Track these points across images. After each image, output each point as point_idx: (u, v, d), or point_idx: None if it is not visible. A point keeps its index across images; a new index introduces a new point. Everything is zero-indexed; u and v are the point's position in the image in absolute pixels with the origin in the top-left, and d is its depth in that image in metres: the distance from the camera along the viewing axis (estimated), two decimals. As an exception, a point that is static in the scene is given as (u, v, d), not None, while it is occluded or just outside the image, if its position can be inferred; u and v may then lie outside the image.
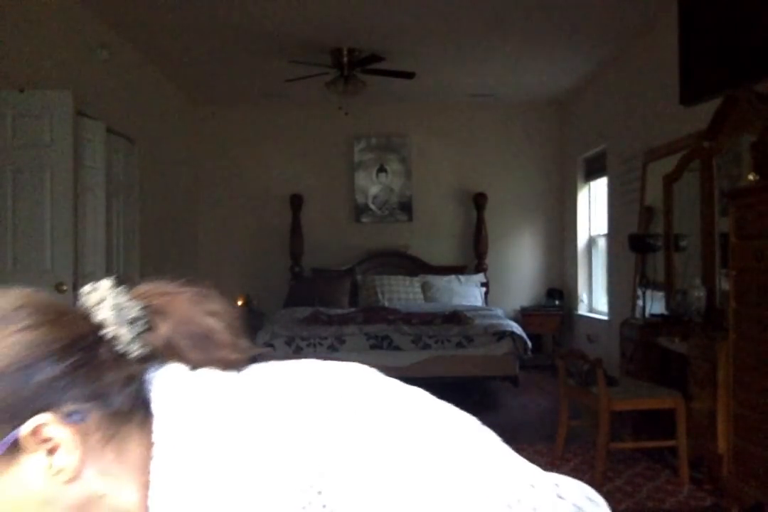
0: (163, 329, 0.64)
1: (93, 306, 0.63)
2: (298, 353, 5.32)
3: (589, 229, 7.17)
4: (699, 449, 3.53)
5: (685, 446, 3.53)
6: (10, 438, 0.56)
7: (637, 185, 5.32)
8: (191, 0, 4.71)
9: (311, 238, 7.45)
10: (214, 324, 0.65)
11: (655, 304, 4.76)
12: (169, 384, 0.63)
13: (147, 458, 0.61)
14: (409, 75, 5.92)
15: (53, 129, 4.14)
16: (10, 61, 4.03)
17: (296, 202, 7.42)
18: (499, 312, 6.69)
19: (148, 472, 0.60)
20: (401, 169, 7.74)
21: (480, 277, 7.36)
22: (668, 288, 4.68)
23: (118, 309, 0.62)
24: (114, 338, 0.62)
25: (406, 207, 7.73)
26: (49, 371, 0.57)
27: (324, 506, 0.56)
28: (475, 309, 6.52)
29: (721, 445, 3.23)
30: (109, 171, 4.88)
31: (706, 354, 3.44)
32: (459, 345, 5.44)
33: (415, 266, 7.45)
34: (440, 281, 7.22)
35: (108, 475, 0.60)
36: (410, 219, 7.72)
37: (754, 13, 3.35)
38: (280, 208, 7.49)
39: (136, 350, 0.62)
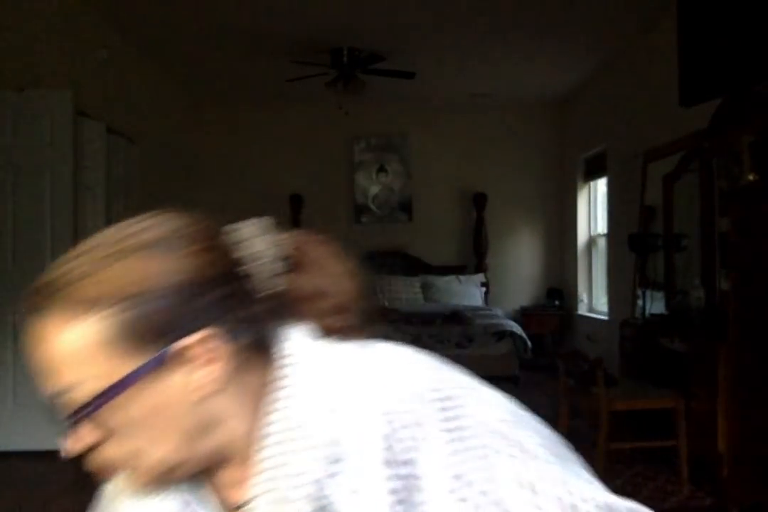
0: (298, 276, 0.68)
1: (237, 244, 0.66)
2: (298, 353, 5.32)
3: (589, 229, 7.17)
4: (699, 449, 3.53)
5: (685, 446, 3.53)
6: (164, 352, 0.59)
7: (637, 185, 5.32)
8: (192, 0, 4.72)
9: (311, 238, 7.44)
10: (344, 281, 0.71)
11: (655, 304, 4.76)
12: (290, 339, 0.66)
13: (261, 394, 0.64)
14: (409, 75, 5.92)
15: (53, 129, 4.14)
16: (10, 61, 4.03)
17: (296, 202, 7.42)
18: (499, 312, 6.70)
19: (260, 407, 0.64)
20: (401, 169, 7.74)
21: (480, 277, 7.36)
22: (668, 288, 4.68)
23: (260, 249, 0.67)
24: (251, 275, 0.65)
25: (406, 207, 7.73)
26: (207, 295, 0.61)
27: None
28: (475, 309, 6.52)
29: (721, 445, 3.23)
30: (109, 171, 4.88)
31: (706, 354, 3.44)
32: (459, 345, 5.44)
33: (415, 266, 7.45)
34: (440, 281, 7.22)
35: (232, 403, 0.63)
36: (410, 219, 7.72)
37: (754, 14, 3.35)
38: (280, 208, 7.49)
39: (268, 290, 0.66)
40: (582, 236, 7.20)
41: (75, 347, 0.59)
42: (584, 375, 3.69)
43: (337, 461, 0.59)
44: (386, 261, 7.47)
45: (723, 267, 3.79)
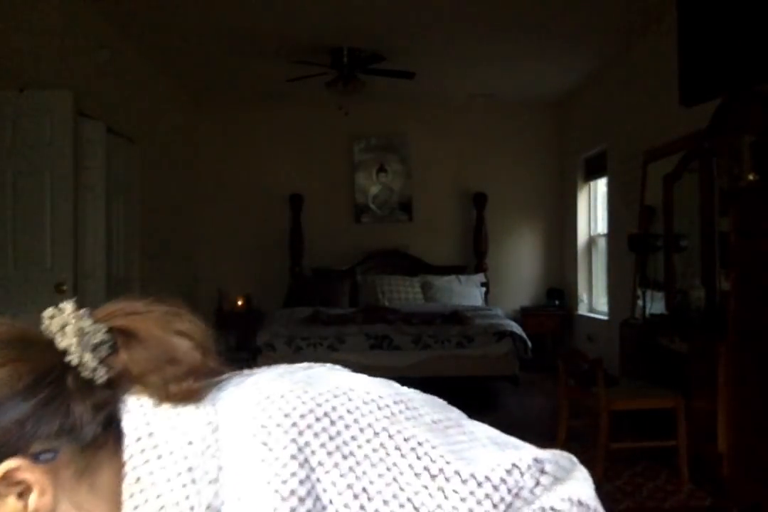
0: (129, 352, 0.62)
1: (56, 333, 0.60)
2: (297, 353, 5.32)
3: (589, 229, 7.17)
4: (699, 449, 3.53)
5: (685, 446, 3.53)
6: None
7: (637, 185, 5.32)
8: (192, 0, 4.72)
9: (311, 238, 7.45)
10: (181, 345, 0.63)
11: (655, 304, 4.76)
12: (135, 413, 0.61)
13: (118, 485, 0.59)
14: (409, 75, 5.92)
15: (53, 129, 4.14)
16: (10, 61, 4.03)
17: (296, 202, 7.42)
18: (499, 312, 6.69)
19: (119, 498, 0.59)
20: (401, 169, 7.74)
21: (480, 277, 7.36)
22: (668, 288, 4.68)
23: (82, 334, 0.60)
24: (79, 365, 0.59)
25: (406, 207, 7.73)
26: (16, 412, 0.55)
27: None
28: (475, 309, 6.52)
29: (721, 445, 3.23)
30: (109, 171, 4.88)
31: (706, 354, 3.44)
32: (459, 345, 5.44)
33: (415, 266, 7.45)
34: (440, 281, 7.22)
35: (82, 508, 0.58)
36: (410, 219, 7.72)
37: (755, 13, 3.35)
38: (280, 208, 7.49)
39: (102, 376, 0.60)
40: (582, 236, 7.19)
41: None
42: (584, 375, 3.69)
43: None
44: (386, 261, 7.46)
45: (723, 267, 3.79)
